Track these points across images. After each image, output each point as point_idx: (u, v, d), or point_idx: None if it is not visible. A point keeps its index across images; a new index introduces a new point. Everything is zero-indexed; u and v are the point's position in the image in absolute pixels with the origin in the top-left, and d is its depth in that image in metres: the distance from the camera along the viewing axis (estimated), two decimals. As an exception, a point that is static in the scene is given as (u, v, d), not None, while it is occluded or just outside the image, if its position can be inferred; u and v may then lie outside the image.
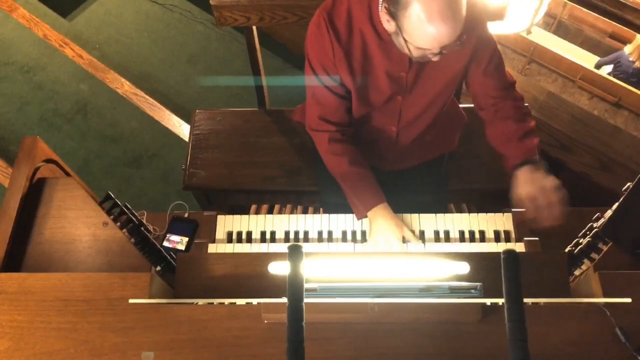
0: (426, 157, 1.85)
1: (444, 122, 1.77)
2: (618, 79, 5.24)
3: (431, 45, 1.32)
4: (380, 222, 1.59)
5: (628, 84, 5.18)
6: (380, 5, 1.38)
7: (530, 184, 1.50)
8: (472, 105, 1.69)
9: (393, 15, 1.32)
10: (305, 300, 0.98)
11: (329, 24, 1.46)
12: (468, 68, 1.57)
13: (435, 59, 1.38)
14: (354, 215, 1.66)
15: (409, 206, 1.70)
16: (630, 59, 5.09)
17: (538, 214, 1.48)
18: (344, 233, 1.65)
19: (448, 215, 1.66)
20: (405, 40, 1.34)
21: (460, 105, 1.91)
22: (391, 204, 1.64)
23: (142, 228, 1.48)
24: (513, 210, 1.64)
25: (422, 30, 1.29)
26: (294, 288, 0.99)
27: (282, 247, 1.58)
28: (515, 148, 1.57)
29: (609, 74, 5.36)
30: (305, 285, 1.01)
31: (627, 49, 5.14)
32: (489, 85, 1.60)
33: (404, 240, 1.60)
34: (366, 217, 1.63)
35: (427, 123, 1.70)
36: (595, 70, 5.23)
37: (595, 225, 1.39)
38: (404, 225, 1.61)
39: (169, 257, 1.50)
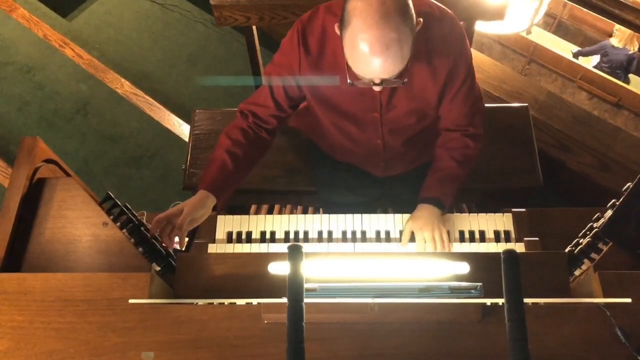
0: (422, 160, 1.82)
1: (437, 128, 1.73)
2: (603, 70, 5.26)
3: (363, 72, 1.29)
4: (192, 198, 1.53)
5: (613, 75, 5.21)
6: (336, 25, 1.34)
7: (424, 220, 1.56)
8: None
9: (341, 35, 1.30)
10: (305, 300, 0.98)
11: (301, 39, 1.46)
12: (444, 90, 1.54)
13: (376, 88, 1.35)
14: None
15: (414, 208, 1.69)
16: (620, 45, 5.12)
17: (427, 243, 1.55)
18: (344, 233, 1.65)
19: (448, 215, 1.66)
20: (347, 63, 1.32)
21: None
22: (394, 207, 1.64)
23: (142, 228, 1.48)
24: (513, 210, 1.65)
25: (353, 53, 1.26)
26: (294, 288, 0.99)
27: (282, 247, 1.58)
28: (434, 182, 1.62)
29: (596, 66, 5.38)
30: (305, 285, 1.01)
31: (614, 40, 5.17)
32: (451, 113, 1.59)
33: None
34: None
35: (416, 133, 1.67)
36: (593, 69, 5.24)
37: (595, 225, 1.39)
38: (186, 216, 1.50)
39: (169, 257, 1.50)
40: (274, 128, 1.66)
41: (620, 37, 5.09)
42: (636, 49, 5.15)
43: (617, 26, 4.91)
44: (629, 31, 4.90)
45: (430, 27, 1.41)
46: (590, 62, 5.48)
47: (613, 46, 5.19)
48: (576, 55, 5.47)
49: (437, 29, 1.43)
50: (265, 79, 1.60)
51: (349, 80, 1.36)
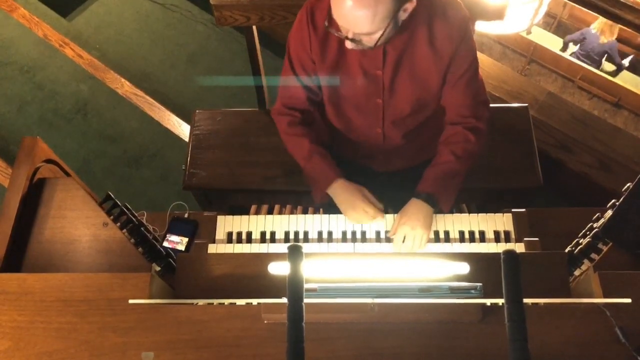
0: (422, 157, 1.81)
1: (438, 123, 1.72)
2: (581, 57, 5.29)
3: (340, 19, 1.32)
4: (340, 193, 1.60)
5: (589, 62, 5.24)
6: None
7: (408, 216, 1.56)
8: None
9: None
10: (305, 300, 0.98)
11: (310, 17, 1.48)
12: (445, 76, 1.54)
13: (349, 45, 1.38)
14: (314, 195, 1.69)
15: None
16: (597, 33, 5.16)
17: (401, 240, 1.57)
18: (344, 233, 1.65)
19: (448, 215, 1.66)
20: (330, 9, 1.34)
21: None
22: (393, 205, 1.64)
23: (142, 228, 1.48)
24: (513, 210, 1.65)
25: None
26: (294, 288, 0.99)
27: (282, 247, 1.58)
28: (430, 176, 1.61)
29: (573, 54, 5.40)
30: (305, 286, 1.01)
31: (594, 26, 5.21)
32: (454, 101, 1.58)
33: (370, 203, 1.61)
34: (327, 196, 1.64)
35: (416, 125, 1.67)
36: (593, 69, 5.24)
37: (595, 225, 1.39)
38: (363, 188, 1.62)
39: (169, 257, 1.50)
40: (314, 109, 1.70)
41: (598, 28, 5.14)
42: (611, 39, 5.16)
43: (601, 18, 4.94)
44: (605, 21, 4.95)
45: (435, 9, 1.42)
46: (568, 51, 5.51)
47: (592, 33, 5.23)
48: (566, 43, 5.49)
49: (442, 12, 1.43)
50: (285, 70, 1.61)
51: (325, 23, 1.40)
